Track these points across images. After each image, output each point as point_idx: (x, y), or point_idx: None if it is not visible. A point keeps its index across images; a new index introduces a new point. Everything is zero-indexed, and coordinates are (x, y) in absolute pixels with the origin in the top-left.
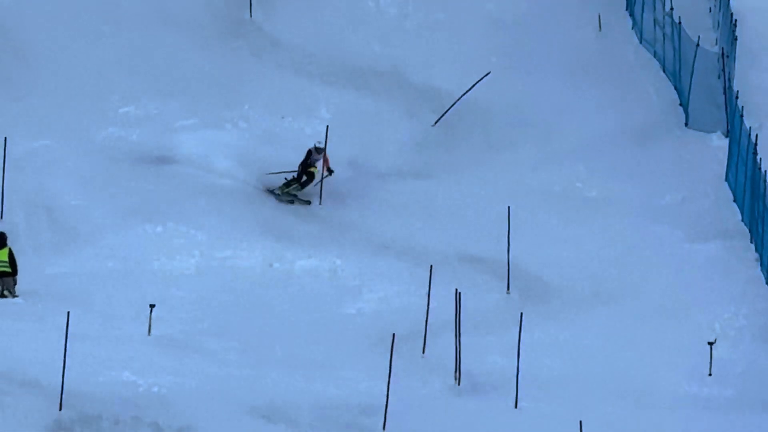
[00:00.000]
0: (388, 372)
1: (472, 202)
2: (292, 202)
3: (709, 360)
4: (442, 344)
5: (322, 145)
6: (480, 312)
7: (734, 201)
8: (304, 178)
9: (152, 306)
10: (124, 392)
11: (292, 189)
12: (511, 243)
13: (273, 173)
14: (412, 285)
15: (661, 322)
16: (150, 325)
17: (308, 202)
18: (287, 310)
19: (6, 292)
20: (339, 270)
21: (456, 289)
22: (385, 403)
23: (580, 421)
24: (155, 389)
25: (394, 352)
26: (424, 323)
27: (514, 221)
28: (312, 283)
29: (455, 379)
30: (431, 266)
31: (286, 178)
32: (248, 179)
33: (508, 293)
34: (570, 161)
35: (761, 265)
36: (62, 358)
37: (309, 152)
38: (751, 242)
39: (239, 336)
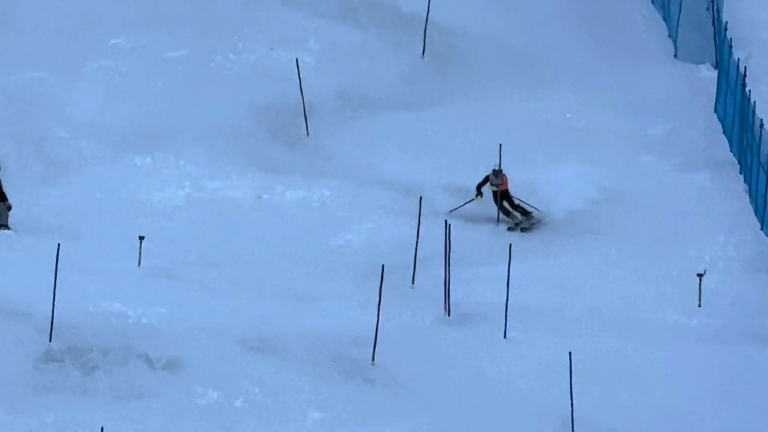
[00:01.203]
0: (377, 303)
1: (461, 133)
2: (527, 226)
3: (698, 291)
4: (432, 275)
5: (499, 168)
6: (469, 244)
7: (723, 132)
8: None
9: (142, 238)
10: (113, 323)
11: (523, 222)
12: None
13: (455, 209)
14: (401, 216)
15: (650, 254)
16: (140, 257)
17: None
18: (276, 241)
19: None
20: (328, 201)
21: (446, 221)
22: (374, 335)
23: (570, 352)
24: (145, 320)
25: (383, 284)
26: (414, 255)
27: (503, 153)
28: (301, 215)
29: (445, 310)
30: (420, 197)
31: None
32: (237, 109)
33: (497, 224)
34: (559, 92)
35: (750, 195)
36: (52, 290)
37: (486, 177)
38: (740, 173)
39: (229, 267)
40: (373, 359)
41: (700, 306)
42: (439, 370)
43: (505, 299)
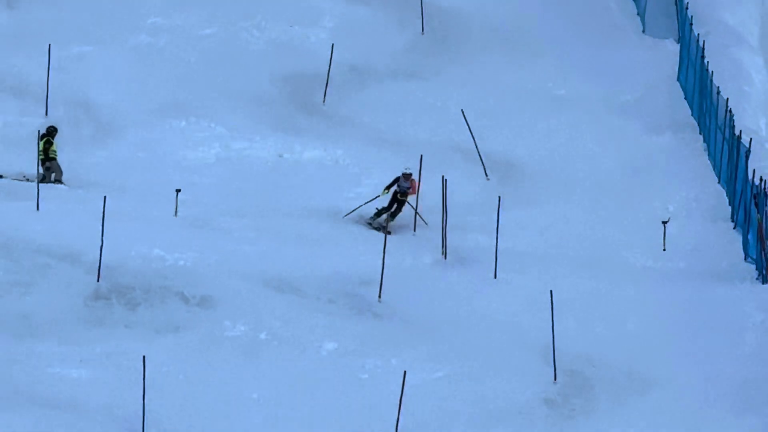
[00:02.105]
0: (383, 248)
1: (456, 99)
2: (385, 231)
3: (663, 237)
4: (431, 224)
5: (410, 171)
6: (463, 196)
7: (685, 98)
8: (394, 206)
9: (178, 191)
10: (153, 265)
11: (382, 220)
12: (490, 135)
13: (348, 214)
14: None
15: (620, 204)
16: (176, 208)
17: (389, 232)
18: (295, 194)
19: (53, 177)
20: (341, 159)
21: (442, 176)
22: (380, 275)
23: (551, 291)
24: (181, 263)
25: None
26: (415, 206)
27: (493, 116)
28: (317, 171)
29: (442, 254)
30: (421, 156)
31: (377, 208)
32: (261, 79)
33: (487, 179)
34: (541, 63)
35: (708, 154)
36: (100, 236)
37: (397, 179)
38: (700, 134)
39: (254, 217)
40: (379, 297)
41: (664, 250)
42: (437, 306)
43: (495, 244)
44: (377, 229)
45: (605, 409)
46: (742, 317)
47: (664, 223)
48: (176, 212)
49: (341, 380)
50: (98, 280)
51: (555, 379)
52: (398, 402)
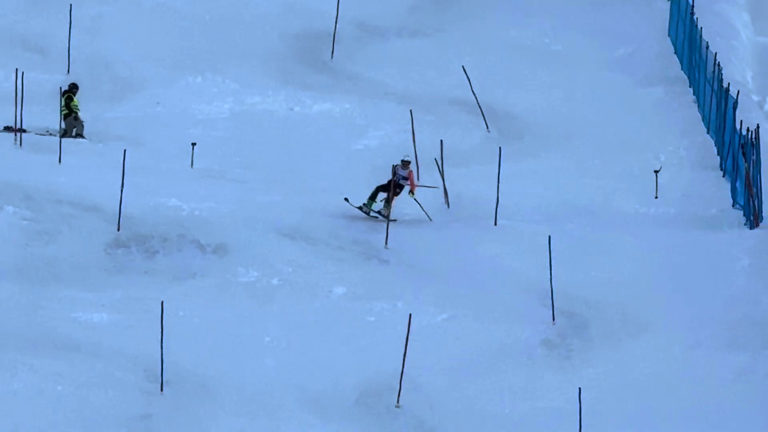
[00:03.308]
0: (389, 195)
1: (457, 55)
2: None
3: (655, 185)
4: (434, 173)
5: (409, 158)
6: (465, 147)
7: (675, 53)
8: (382, 196)
9: (194, 144)
10: (171, 215)
11: (381, 209)
12: (490, 90)
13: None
14: (409, 124)
15: (615, 155)
16: (192, 160)
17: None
18: (306, 146)
19: (74, 132)
20: (349, 113)
21: (441, 141)
22: (387, 223)
23: (549, 236)
24: (197, 212)
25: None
26: (415, 158)
27: (493, 71)
28: (326, 124)
29: (445, 202)
30: (411, 111)
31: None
32: (272, 37)
33: (488, 132)
34: (539, 20)
35: (698, 106)
36: (120, 188)
37: (394, 168)
38: (690, 87)
39: (266, 168)
40: (386, 243)
41: (656, 197)
42: (440, 252)
43: (496, 193)
44: (373, 215)
45: (601, 349)
46: (730, 261)
47: (656, 171)
48: (192, 164)
49: (350, 323)
50: (118, 230)
51: (553, 320)
52: (404, 343)
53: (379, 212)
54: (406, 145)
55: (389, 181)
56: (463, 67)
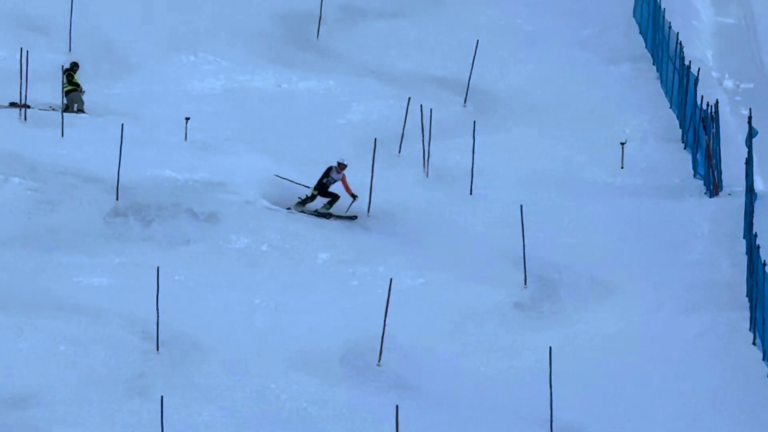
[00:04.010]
0: (371, 167)
1: (436, 35)
2: (328, 217)
3: (621, 156)
4: (414, 146)
5: (346, 162)
6: (443, 121)
7: (640, 32)
8: (327, 198)
9: (187, 118)
10: (166, 185)
11: (321, 208)
12: (464, 65)
13: (282, 177)
14: (390, 101)
15: (583, 128)
16: (186, 133)
17: (354, 217)
18: (292, 120)
19: (75, 107)
20: (333, 89)
21: (420, 106)
22: (369, 191)
23: (521, 205)
24: (190, 182)
25: (376, 152)
26: (400, 130)
27: (469, 50)
28: (311, 100)
29: (424, 172)
30: (409, 98)
31: (299, 197)
32: (261, 17)
33: (464, 106)
34: (512, 2)
35: (661, 82)
36: (118, 160)
37: (329, 169)
38: (653, 64)
39: (255, 141)
40: (368, 211)
41: (622, 168)
42: (419, 219)
43: (471, 164)
44: (322, 215)
45: (570, 311)
46: (692, 228)
47: (622, 144)
48: (186, 137)
49: (334, 286)
50: (117, 199)
51: (525, 284)
52: (385, 305)
53: (329, 215)
54: (387, 119)
55: (325, 193)
56: (477, 41)
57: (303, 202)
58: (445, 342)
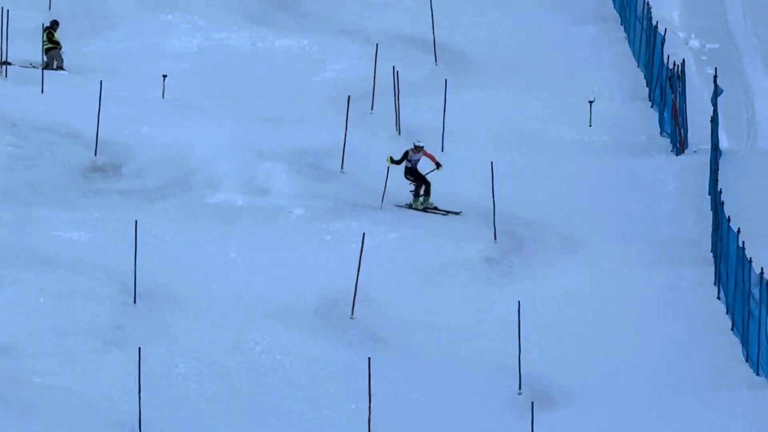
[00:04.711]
0: (344, 125)
1: None
2: (441, 211)
3: (589, 114)
4: (386, 104)
5: (421, 144)
6: (415, 80)
7: None
8: (421, 184)
9: (165, 76)
10: (144, 142)
11: (425, 202)
12: (437, 25)
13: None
14: (363, 59)
15: (551, 86)
16: (163, 91)
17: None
18: (268, 78)
19: (55, 64)
20: (307, 48)
21: (393, 67)
22: (342, 148)
23: (491, 162)
24: (168, 139)
25: (349, 110)
26: (372, 88)
27: (441, 10)
28: (287, 58)
29: (396, 129)
30: (377, 44)
31: (411, 191)
32: None
33: (436, 65)
34: None
35: (629, 42)
36: (97, 116)
37: (406, 153)
38: (621, 24)
39: (231, 98)
40: (342, 167)
41: (590, 126)
42: (391, 175)
43: (442, 121)
44: (429, 209)
45: (538, 265)
46: (658, 185)
47: (590, 102)
48: (163, 95)
49: (308, 241)
50: (95, 155)
51: (495, 239)
52: (358, 260)
53: (435, 208)
54: (360, 77)
55: (409, 171)
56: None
57: (416, 195)
58: (416, 295)
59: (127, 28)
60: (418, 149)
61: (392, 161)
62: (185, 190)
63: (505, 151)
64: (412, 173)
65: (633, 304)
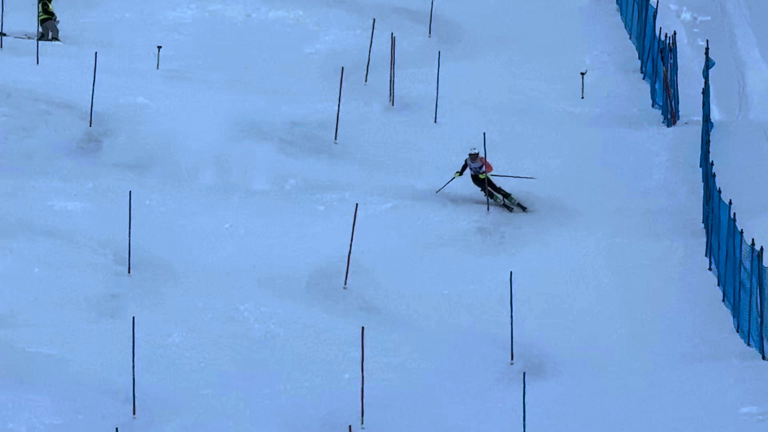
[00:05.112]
0: (338, 96)
1: None
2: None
3: (581, 86)
4: (380, 75)
5: (476, 151)
6: (408, 51)
7: None
8: (486, 188)
9: (159, 47)
10: (138, 112)
11: (509, 201)
12: None
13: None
14: (357, 30)
15: (544, 59)
16: (158, 62)
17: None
18: (262, 50)
19: (50, 35)
20: (301, 19)
21: (392, 33)
22: (336, 119)
23: (484, 133)
24: (162, 110)
25: (343, 81)
26: (367, 60)
27: None
28: (281, 30)
29: (390, 101)
30: (374, 20)
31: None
32: None
33: (429, 37)
34: None
35: (621, 14)
36: (92, 86)
37: (465, 162)
38: None
39: (226, 70)
40: (335, 138)
41: (583, 98)
42: (385, 146)
43: (436, 92)
44: (511, 208)
45: (530, 236)
46: (650, 156)
47: (582, 74)
48: (158, 66)
49: (302, 211)
50: (90, 125)
51: (488, 210)
52: (351, 230)
53: (505, 205)
54: (355, 49)
55: (473, 178)
56: None
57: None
58: (409, 265)
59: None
60: (474, 157)
61: (459, 174)
62: (179, 161)
63: (497, 123)
64: (478, 182)
65: (624, 275)
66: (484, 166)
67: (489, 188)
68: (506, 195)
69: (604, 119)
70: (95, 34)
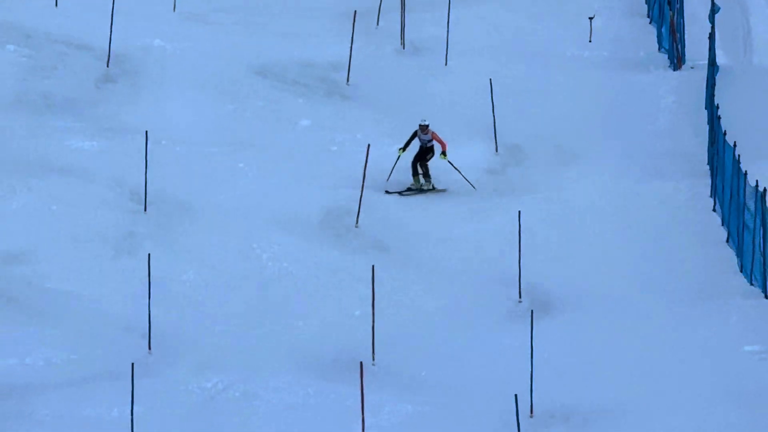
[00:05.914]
0: (350, 39)
1: None
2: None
3: (589, 30)
4: (392, 19)
5: (426, 123)
6: None
7: None
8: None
9: None
10: (155, 54)
11: (424, 185)
12: None
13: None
14: None
15: (552, 2)
16: (174, 4)
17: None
18: None
19: None
20: None
21: None
22: (348, 62)
23: (490, 79)
24: (178, 51)
25: (355, 24)
26: (379, 3)
27: None
28: None
29: (401, 44)
30: None
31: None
32: None
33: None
34: None
35: None
36: (109, 28)
37: (414, 133)
38: None
39: (241, 13)
40: (348, 80)
41: (590, 41)
42: (396, 88)
43: (446, 36)
44: (424, 190)
45: (537, 177)
46: (656, 99)
47: (590, 18)
48: (174, 8)
49: (315, 151)
50: (108, 66)
51: (496, 150)
52: (363, 170)
53: (424, 188)
54: None
55: (419, 151)
56: None
57: (415, 177)
58: (419, 206)
59: None
60: (424, 129)
61: (402, 150)
62: (195, 101)
63: (506, 66)
64: (422, 158)
65: (630, 216)
66: (435, 140)
67: (424, 170)
68: (426, 177)
69: (611, 63)
70: None
